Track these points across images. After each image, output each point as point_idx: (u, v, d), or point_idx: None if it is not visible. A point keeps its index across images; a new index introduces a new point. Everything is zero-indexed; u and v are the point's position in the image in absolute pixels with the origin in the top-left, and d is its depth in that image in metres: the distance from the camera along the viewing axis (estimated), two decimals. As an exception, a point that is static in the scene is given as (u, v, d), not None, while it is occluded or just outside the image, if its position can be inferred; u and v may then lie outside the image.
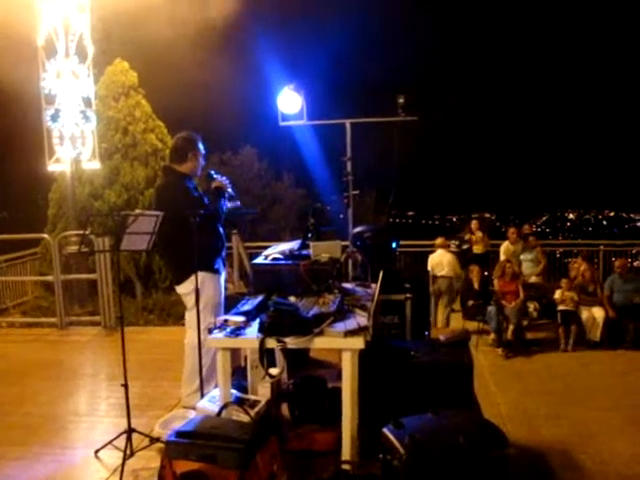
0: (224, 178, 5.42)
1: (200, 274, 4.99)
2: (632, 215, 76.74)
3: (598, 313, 7.81)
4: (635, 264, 12.30)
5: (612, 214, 79.35)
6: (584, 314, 7.81)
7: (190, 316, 5.29)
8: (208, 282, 5.16)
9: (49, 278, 9.54)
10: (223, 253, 5.41)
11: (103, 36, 10.91)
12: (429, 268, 9.67)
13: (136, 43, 12.53)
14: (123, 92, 11.71)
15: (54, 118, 9.39)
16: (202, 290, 5.01)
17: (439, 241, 10.07)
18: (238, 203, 5.56)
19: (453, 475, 3.13)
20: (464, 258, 10.44)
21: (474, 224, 10.50)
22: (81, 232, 8.92)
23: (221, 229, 5.35)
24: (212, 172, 5.48)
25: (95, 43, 9.88)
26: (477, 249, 10.23)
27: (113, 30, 11.94)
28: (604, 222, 76.67)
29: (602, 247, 11.84)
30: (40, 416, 5.60)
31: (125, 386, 4.60)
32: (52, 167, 9.80)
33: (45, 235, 10.43)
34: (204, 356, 5.00)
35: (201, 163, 5.38)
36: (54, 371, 6.98)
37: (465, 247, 10.50)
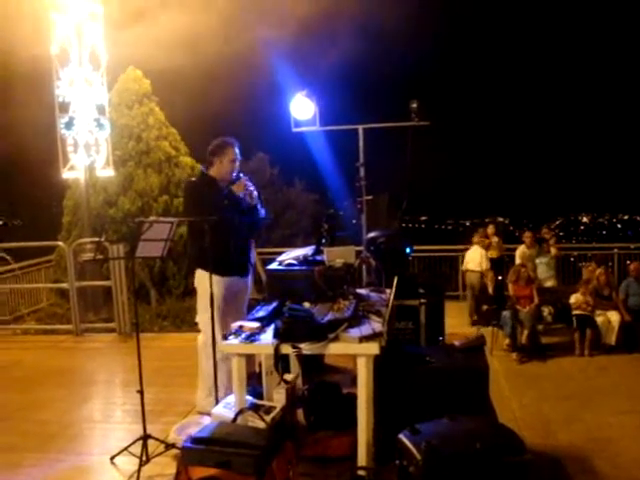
0: (248, 183, 5.43)
1: (202, 272, 5.17)
2: (646, 218, 76.35)
3: (614, 317, 7.76)
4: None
5: (626, 217, 78.98)
6: (599, 318, 7.77)
7: (198, 316, 5.46)
8: (205, 280, 5.12)
9: (64, 285, 9.60)
10: (237, 257, 5.42)
11: (116, 43, 10.96)
12: (464, 263, 9.94)
13: (149, 51, 12.59)
14: (136, 100, 11.78)
15: (68, 126, 9.45)
16: (203, 286, 5.16)
17: (476, 238, 10.23)
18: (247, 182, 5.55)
19: (470, 480, 3.12)
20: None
21: (490, 229, 10.46)
22: (96, 239, 8.99)
23: (237, 232, 5.36)
24: (241, 176, 5.50)
25: (108, 51, 9.93)
26: (492, 254, 10.18)
27: (126, 38, 12.00)
28: (618, 225, 76.32)
29: (616, 250, 11.79)
30: (56, 423, 5.62)
31: (141, 392, 4.61)
32: (66, 175, 9.86)
33: (60, 242, 10.49)
34: (211, 356, 5.04)
35: (230, 168, 5.41)
36: (69, 378, 7.01)
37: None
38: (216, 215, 4.93)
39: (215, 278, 5.12)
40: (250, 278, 5.73)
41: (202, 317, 5.35)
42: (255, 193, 5.52)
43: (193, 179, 5.66)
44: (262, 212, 5.64)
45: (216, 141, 5.50)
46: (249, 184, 5.44)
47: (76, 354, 8.26)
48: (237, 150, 5.46)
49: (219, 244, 5.05)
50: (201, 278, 5.29)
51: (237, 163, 5.47)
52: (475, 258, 9.82)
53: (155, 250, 4.68)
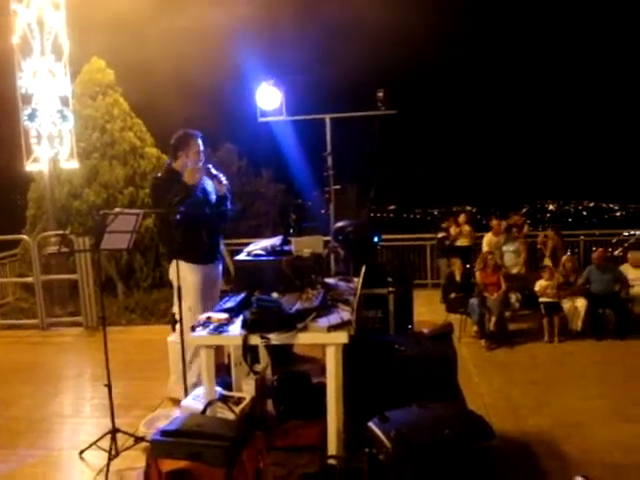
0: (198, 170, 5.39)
1: (174, 262, 5.13)
2: (611, 205, 77.47)
3: (580, 303, 7.85)
4: (615, 253, 12.37)
5: (592, 204, 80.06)
6: (566, 304, 7.86)
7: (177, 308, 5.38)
8: (183, 270, 5.16)
9: (29, 279, 9.46)
10: (209, 246, 5.46)
11: (79, 33, 10.81)
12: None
13: (113, 41, 12.45)
14: (100, 90, 11.64)
15: (31, 117, 9.29)
16: (174, 276, 5.13)
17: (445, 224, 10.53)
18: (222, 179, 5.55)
19: (439, 467, 3.13)
20: (442, 249, 10.52)
21: (462, 217, 10.54)
22: (60, 232, 8.87)
23: (207, 221, 5.39)
24: (209, 166, 5.48)
25: (71, 41, 9.78)
26: (463, 242, 10.25)
27: (90, 28, 11.84)
28: (584, 212, 77.33)
29: (582, 237, 11.94)
30: (24, 418, 5.56)
31: (108, 386, 4.58)
32: (30, 167, 9.70)
33: (24, 236, 10.33)
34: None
35: (195, 160, 5.39)
36: (37, 373, 6.93)
37: (441, 235, 10.56)
38: (184, 208, 4.94)
39: (191, 267, 5.16)
40: (220, 267, 5.74)
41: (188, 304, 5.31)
42: (225, 182, 5.52)
43: (159, 174, 5.60)
44: (228, 203, 5.65)
45: (178, 134, 5.47)
46: (199, 174, 5.40)
47: (43, 349, 8.16)
48: (200, 141, 5.45)
49: (191, 234, 5.11)
50: (174, 268, 5.21)
51: (202, 155, 5.46)
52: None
53: (121, 242, 4.64)
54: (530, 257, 9.87)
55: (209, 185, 5.51)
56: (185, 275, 5.19)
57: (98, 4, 10.47)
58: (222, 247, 6.07)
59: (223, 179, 5.51)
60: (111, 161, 11.38)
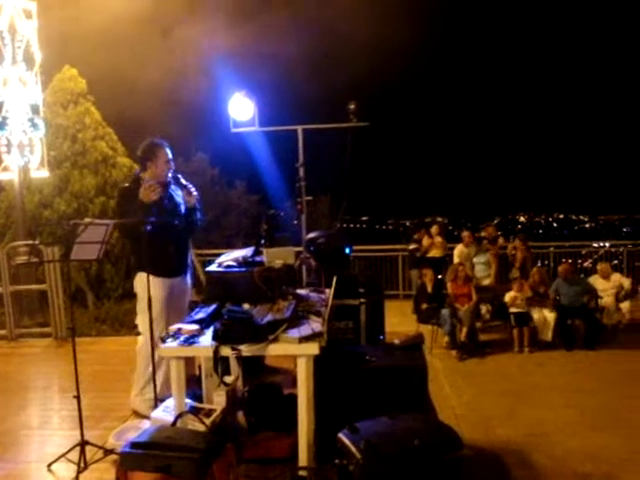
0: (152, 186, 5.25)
1: (142, 274, 5.10)
2: (581, 217, 78.38)
3: (549, 314, 7.94)
4: (585, 265, 12.53)
5: (562, 216, 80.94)
6: (535, 315, 7.94)
7: (138, 317, 5.45)
8: (150, 282, 5.14)
9: (-3, 289, 9.34)
10: (176, 258, 5.42)
11: (51, 42, 10.75)
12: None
13: (85, 50, 12.39)
14: (72, 99, 11.58)
15: (1, 126, 9.19)
16: (141, 289, 5.20)
17: (417, 236, 10.61)
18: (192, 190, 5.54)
19: (409, 477, 3.14)
20: (414, 260, 10.57)
21: (434, 229, 10.59)
22: (30, 242, 8.78)
23: (174, 234, 5.35)
24: (179, 176, 5.46)
25: (43, 50, 9.71)
26: (436, 253, 10.30)
27: (61, 36, 11.77)
28: (554, 224, 78.13)
29: (552, 249, 12.07)
30: (-9, 430, 5.48)
31: (77, 398, 4.53)
32: (0, 176, 9.61)
33: (-7, 245, 10.21)
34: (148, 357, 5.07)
35: (165, 169, 5.35)
36: (4, 384, 6.84)
37: (412, 247, 10.61)
38: (152, 219, 4.91)
39: (156, 280, 5.10)
40: (189, 278, 5.70)
41: (142, 319, 5.33)
42: (195, 193, 5.49)
43: (126, 184, 5.53)
44: (198, 214, 5.62)
45: (145, 144, 5.41)
46: (174, 189, 5.39)
47: (11, 360, 8.06)
48: (168, 150, 5.39)
49: (158, 246, 5.04)
50: (140, 281, 5.25)
51: (171, 164, 5.42)
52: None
53: (91, 252, 4.60)
54: (501, 268, 9.95)
55: (178, 196, 5.47)
56: (143, 286, 5.16)
57: (70, 13, 10.42)
58: (192, 258, 6.04)
59: (193, 190, 5.48)
60: (82, 170, 11.31)
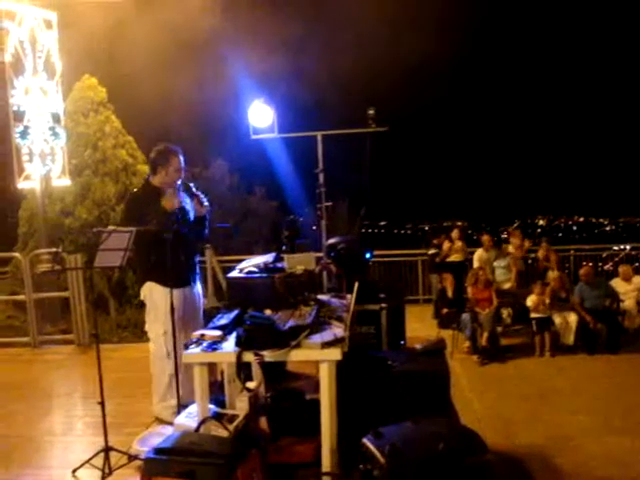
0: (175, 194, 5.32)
1: (150, 284, 5.23)
2: (601, 220, 77.78)
3: (571, 318, 7.89)
4: (605, 268, 12.43)
5: (582, 219, 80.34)
6: (557, 319, 7.89)
7: (148, 326, 5.54)
8: (156, 292, 5.24)
9: (21, 297, 9.41)
10: (184, 268, 5.39)
11: (71, 52, 10.84)
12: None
13: (105, 59, 12.48)
14: (92, 108, 11.64)
15: (23, 135, 9.30)
16: (150, 299, 5.30)
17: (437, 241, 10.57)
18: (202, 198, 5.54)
19: (433, 483, 3.14)
20: (433, 265, 10.53)
21: (455, 233, 10.53)
22: (52, 250, 8.85)
23: (182, 244, 5.27)
24: (191, 185, 5.48)
25: (63, 59, 9.81)
26: (456, 257, 10.25)
27: (81, 46, 11.87)
28: (574, 227, 77.56)
29: (572, 252, 11.99)
30: (16, 437, 5.53)
31: (101, 404, 4.57)
32: (22, 185, 9.69)
33: (16, 254, 10.29)
34: (168, 365, 5.18)
35: (176, 177, 5.34)
36: (29, 391, 6.89)
37: (432, 252, 10.56)
38: (159, 226, 4.92)
39: (163, 290, 5.10)
40: (198, 286, 5.70)
41: (151, 327, 5.46)
42: (205, 203, 5.49)
43: (135, 190, 5.57)
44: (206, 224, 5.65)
45: (159, 148, 5.40)
46: (183, 196, 5.38)
47: (34, 367, 8.12)
48: (182, 158, 5.37)
49: (165, 255, 4.97)
50: (149, 290, 5.33)
51: (182, 172, 5.40)
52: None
53: (114, 260, 4.64)
54: (527, 272, 9.88)
55: (187, 204, 5.44)
56: (159, 298, 5.21)
57: (90, 23, 10.50)
58: (213, 264, 6.07)
59: (204, 201, 5.49)
60: (103, 178, 11.36)
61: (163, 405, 5.39)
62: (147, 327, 5.53)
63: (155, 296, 5.24)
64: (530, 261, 10.20)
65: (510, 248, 9.92)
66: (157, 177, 5.35)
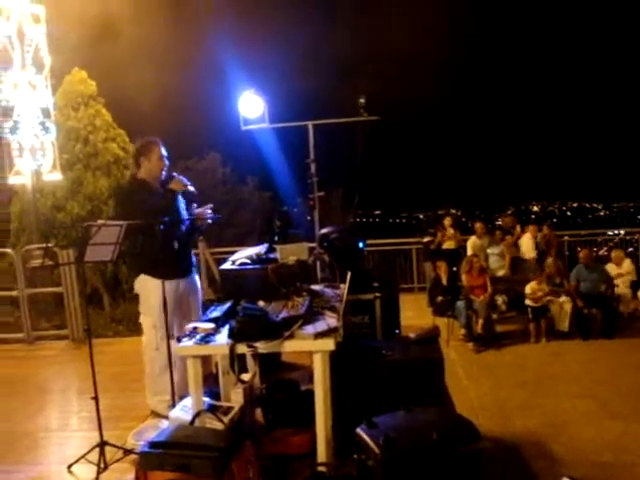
0: (182, 178, 5.42)
1: (142, 277, 5.22)
2: (595, 205, 77.98)
3: (566, 304, 7.90)
4: (600, 253, 12.45)
5: (575, 205, 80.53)
6: (552, 305, 7.90)
7: (141, 318, 5.55)
8: (150, 285, 5.20)
9: (14, 293, 9.38)
10: (178, 259, 5.37)
11: (60, 45, 10.77)
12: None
13: (95, 52, 12.41)
14: (82, 102, 11.58)
15: (12, 130, 9.24)
16: (143, 292, 5.29)
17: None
18: (209, 212, 5.58)
19: (428, 471, 3.14)
20: (428, 252, 10.53)
21: (447, 220, 10.53)
22: (44, 245, 8.81)
23: (177, 233, 5.32)
24: (174, 174, 5.47)
25: (52, 53, 9.74)
26: (449, 244, 10.25)
27: (70, 39, 11.80)
28: (568, 213, 77.74)
29: (567, 238, 11.99)
30: (11, 433, 5.51)
31: (95, 399, 4.56)
32: (12, 180, 9.64)
33: (8, 249, 10.24)
34: (158, 358, 5.17)
35: (159, 166, 5.36)
36: (23, 387, 6.88)
37: (427, 239, 10.55)
38: (151, 218, 4.91)
39: (157, 282, 5.07)
40: (195, 277, 5.69)
41: (144, 320, 5.47)
42: (192, 189, 5.50)
43: (124, 185, 5.58)
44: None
45: (139, 142, 5.47)
46: (185, 180, 5.42)
47: (29, 363, 8.11)
48: (162, 147, 5.40)
49: (157, 247, 4.99)
50: (143, 282, 5.32)
51: (165, 161, 5.42)
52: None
53: (105, 254, 4.62)
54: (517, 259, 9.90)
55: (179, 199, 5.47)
56: (151, 290, 5.19)
57: (79, 16, 10.43)
58: (207, 256, 6.06)
59: (188, 183, 5.49)
60: (94, 172, 11.33)
61: (158, 399, 5.38)
62: (141, 319, 5.52)
63: (147, 289, 5.23)
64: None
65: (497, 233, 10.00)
66: (142, 170, 5.37)
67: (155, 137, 5.47)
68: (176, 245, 5.28)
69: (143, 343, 5.51)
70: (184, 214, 5.45)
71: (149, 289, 5.20)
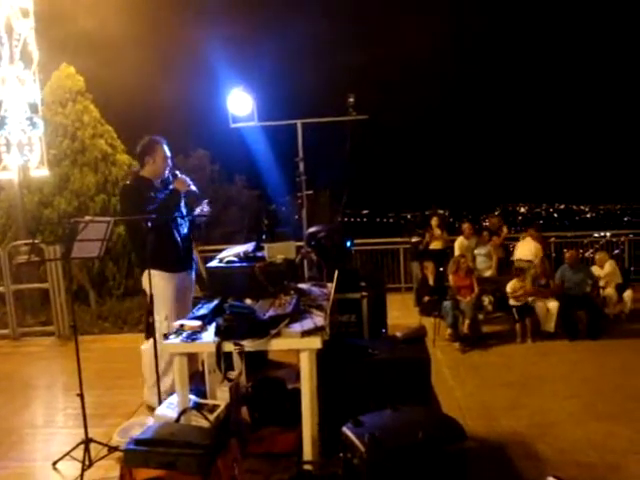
0: (186, 178, 5.44)
1: (153, 272, 5.11)
2: (582, 207, 78.43)
3: (551, 304, 7.93)
4: (586, 255, 12.52)
5: (562, 207, 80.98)
6: (538, 305, 7.93)
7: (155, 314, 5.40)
8: (157, 279, 5.17)
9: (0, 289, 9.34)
10: (183, 253, 5.44)
11: (48, 40, 10.72)
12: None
13: (83, 48, 12.37)
14: (70, 97, 11.56)
15: (0, 125, 9.20)
16: (155, 286, 5.14)
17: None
18: (205, 209, 5.60)
19: (413, 471, 3.14)
20: (415, 252, 10.54)
21: (434, 220, 10.54)
22: (31, 241, 8.77)
23: (180, 229, 5.41)
24: (177, 173, 5.47)
25: (40, 48, 9.69)
26: (436, 245, 10.27)
27: (59, 34, 11.75)
28: (555, 215, 78.13)
29: (554, 239, 12.05)
30: (-5, 429, 5.49)
31: (81, 396, 4.54)
32: (-1, 175, 9.60)
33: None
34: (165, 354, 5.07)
35: (163, 166, 5.40)
36: (8, 383, 6.84)
37: (415, 240, 10.56)
38: (162, 215, 4.95)
39: (166, 275, 5.11)
40: (193, 274, 5.72)
41: (157, 315, 5.29)
42: (194, 189, 5.52)
43: (127, 182, 5.60)
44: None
45: (143, 141, 5.46)
46: (188, 179, 5.43)
47: (14, 359, 8.06)
48: (166, 147, 5.44)
49: (165, 242, 5.13)
50: (152, 278, 5.15)
51: (169, 160, 5.46)
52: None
53: (92, 250, 4.60)
54: (503, 260, 9.93)
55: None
56: (160, 284, 5.17)
57: (67, 11, 10.39)
58: (195, 254, 6.05)
59: (191, 183, 5.51)
60: (82, 168, 11.30)
61: (154, 391, 5.32)
62: (151, 319, 5.47)
63: (155, 283, 5.18)
64: (512, 249, 10.25)
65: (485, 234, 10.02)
66: (146, 168, 5.40)
67: (158, 136, 5.49)
68: (178, 240, 5.35)
69: (148, 343, 5.39)
70: (183, 209, 5.51)
71: (157, 283, 5.16)
